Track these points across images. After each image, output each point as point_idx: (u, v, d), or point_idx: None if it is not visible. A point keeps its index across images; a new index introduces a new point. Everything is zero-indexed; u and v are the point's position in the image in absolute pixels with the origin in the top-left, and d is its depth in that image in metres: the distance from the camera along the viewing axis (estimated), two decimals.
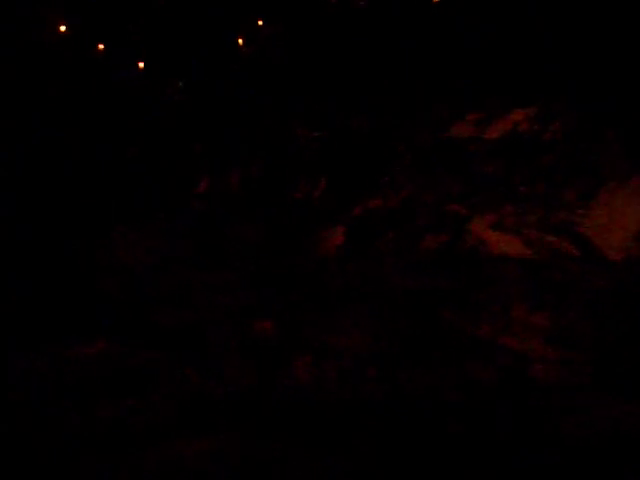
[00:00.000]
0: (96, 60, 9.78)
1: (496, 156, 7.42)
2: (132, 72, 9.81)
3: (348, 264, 6.75)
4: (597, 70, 7.32)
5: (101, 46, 9.83)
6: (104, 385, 5.13)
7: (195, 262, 7.29)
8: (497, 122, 7.62)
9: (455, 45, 8.25)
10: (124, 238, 7.78)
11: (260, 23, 10.08)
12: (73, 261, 7.53)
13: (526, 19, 8.01)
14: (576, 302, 5.64)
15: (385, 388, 5.03)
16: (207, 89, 9.63)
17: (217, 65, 9.84)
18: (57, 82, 9.33)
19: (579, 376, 4.95)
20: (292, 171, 8.22)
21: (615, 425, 4.34)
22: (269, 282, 6.73)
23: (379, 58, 8.67)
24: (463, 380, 5.04)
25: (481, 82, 7.93)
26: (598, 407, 4.54)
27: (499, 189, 7.02)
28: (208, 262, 7.24)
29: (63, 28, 9.71)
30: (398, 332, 5.76)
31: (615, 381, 4.81)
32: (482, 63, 7.99)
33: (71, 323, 6.21)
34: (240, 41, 10.01)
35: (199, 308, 6.44)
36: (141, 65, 9.84)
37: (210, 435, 4.38)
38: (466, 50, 8.11)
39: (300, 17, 9.61)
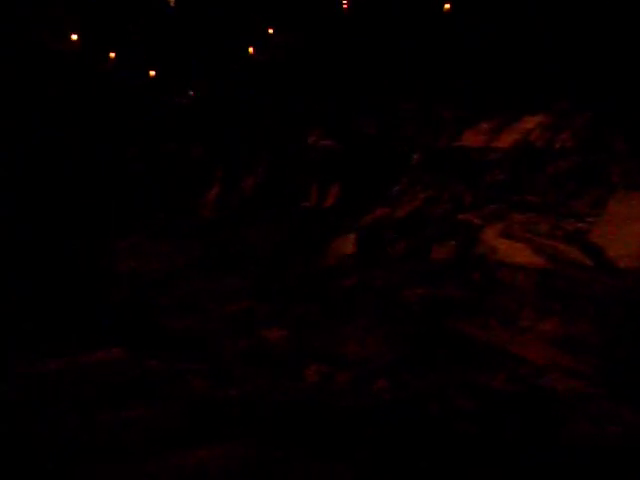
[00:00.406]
0: (107, 68, 9.83)
1: (507, 165, 7.42)
2: (143, 80, 9.85)
3: (359, 272, 6.75)
4: (607, 74, 7.32)
5: (112, 54, 9.88)
6: (108, 391, 5.13)
7: (204, 270, 7.30)
8: (508, 130, 7.62)
9: (465, 51, 8.26)
10: (131, 244, 7.80)
11: (271, 31, 10.12)
12: (78, 267, 7.54)
13: (533, 24, 8.02)
14: (587, 310, 5.62)
15: (396, 394, 5.02)
16: (218, 97, 9.66)
17: (228, 73, 9.88)
18: (64, 86, 9.36)
19: (588, 384, 4.93)
20: (304, 180, 8.24)
21: (623, 433, 4.33)
22: (279, 290, 6.74)
23: (391, 65, 8.69)
24: (474, 386, 5.04)
25: (491, 87, 7.94)
26: (607, 416, 4.52)
27: (510, 198, 7.02)
28: (218, 269, 7.26)
29: (75, 37, 9.76)
30: (409, 340, 5.75)
31: (624, 390, 4.80)
32: (491, 67, 8.00)
33: (76, 329, 6.22)
34: (251, 50, 10.05)
35: (207, 315, 6.44)
36: (152, 73, 9.88)
37: (213, 443, 4.36)
38: (476, 55, 8.13)
39: (312, 26, 9.63)
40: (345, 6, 9.64)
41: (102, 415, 4.74)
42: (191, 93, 9.91)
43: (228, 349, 5.81)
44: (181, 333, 6.16)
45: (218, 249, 7.64)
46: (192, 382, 5.24)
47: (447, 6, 8.93)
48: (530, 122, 7.64)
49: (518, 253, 6.37)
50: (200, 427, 4.60)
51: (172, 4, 10.35)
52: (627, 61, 7.36)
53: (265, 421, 4.63)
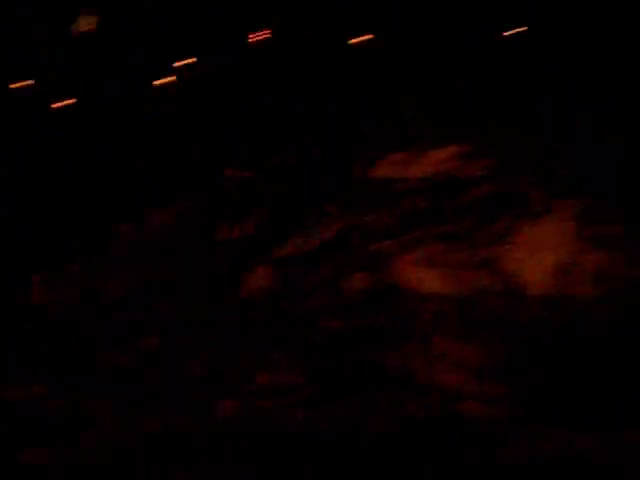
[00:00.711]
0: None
1: (423, 193, 7.53)
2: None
3: (275, 304, 6.74)
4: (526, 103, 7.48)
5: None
6: (36, 431, 5.06)
7: (121, 308, 7.18)
8: (423, 159, 7.75)
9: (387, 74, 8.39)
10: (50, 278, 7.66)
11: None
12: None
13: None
14: (499, 337, 5.70)
15: (313, 425, 5.03)
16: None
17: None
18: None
19: (503, 409, 4.99)
20: (220, 211, 8.22)
21: (549, 455, 4.39)
22: (197, 322, 6.68)
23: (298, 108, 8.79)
24: (392, 414, 5.07)
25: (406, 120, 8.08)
26: (530, 439, 4.58)
27: (425, 226, 7.11)
28: (136, 306, 7.15)
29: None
30: (327, 370, 5.76)
31: (546, 413, 4.86)
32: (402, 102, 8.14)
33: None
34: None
35: (133, 348, 6.36)
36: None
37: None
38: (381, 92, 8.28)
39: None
40: (252, 40, 9.74)
41: (30, 456, 4.69)
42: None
43: (148, 383, 5.77)
44: (113, 367, 6.08)
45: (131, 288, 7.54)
46: (124, 418, 5.21)
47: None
48: (446, 151, 7.78)
49: (433, 281, 6.44)
50: (134, 463, 4.58)
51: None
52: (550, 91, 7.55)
53: (178, 452, 4.63)
